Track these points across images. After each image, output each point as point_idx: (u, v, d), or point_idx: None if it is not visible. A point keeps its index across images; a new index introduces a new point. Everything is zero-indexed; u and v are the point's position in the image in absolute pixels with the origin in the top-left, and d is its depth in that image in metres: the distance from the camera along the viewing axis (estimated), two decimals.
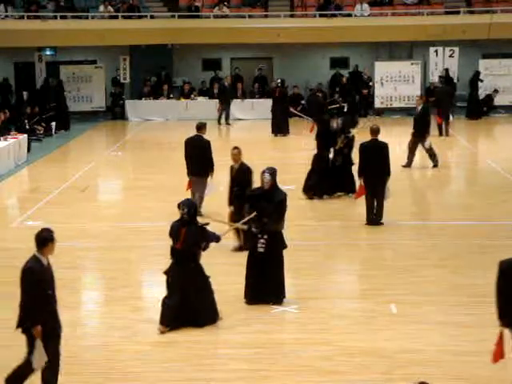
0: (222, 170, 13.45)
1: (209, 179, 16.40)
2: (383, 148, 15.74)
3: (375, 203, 15.67)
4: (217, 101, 31.84)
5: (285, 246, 11.65)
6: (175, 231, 10.71)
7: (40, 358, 8.46)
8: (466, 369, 9.43)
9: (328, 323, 10.91)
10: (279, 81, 29.78)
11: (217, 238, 10.95)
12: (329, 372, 9.36)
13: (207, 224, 10.93)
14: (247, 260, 11.62)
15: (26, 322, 8.56)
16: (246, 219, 11.59)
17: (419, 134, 21.53)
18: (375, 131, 16.01)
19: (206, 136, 16.94)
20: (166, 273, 10.87)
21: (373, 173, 15.53)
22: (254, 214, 11.40)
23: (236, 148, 14.20)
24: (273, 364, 9.65)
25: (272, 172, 11.60)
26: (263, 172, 11.62)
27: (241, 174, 13.98)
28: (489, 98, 32.51)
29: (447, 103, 27.60)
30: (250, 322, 10.94)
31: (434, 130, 24.81)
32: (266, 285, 11.45)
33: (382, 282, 12.56)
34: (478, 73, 32.10)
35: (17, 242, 14.94)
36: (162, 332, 10.60)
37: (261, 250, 11.31)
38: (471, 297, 11.81)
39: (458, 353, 9.86)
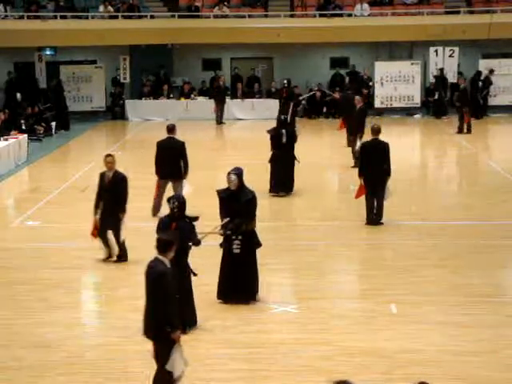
0: (223, 170, 13.45)
1: (184, 180, 16.63)
2: (384, 148, 15.73)
3: (375, 203, 15.68)
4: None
5: (259, 245, 11.63)
6: (165, 226, 10.60)
7: (180, 364, 8.21)
8: (466, 369, 9.43)
9: (328, 323, 10.91)
10: (285, 81, 29.98)
11: (197, 242, 10.88)
12: (329, 372, 9.35)
13: (197, 219, 10.86)
14: (221, 260, 11.58)
15: (164, 328, 8.15)
16: (222, 223, 11.52)
17: (351, 132, 21.63)
18: (376, 131, 16.01)
19: (179, 137, 17.22)
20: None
21: (373, 172, 15.52)
22: (227, 219, 11.37)
23: (110, 155, 13.88)
24: (273, 364, 9.65)
25: (238, 172, 11.61)
26: (229, 173, 11.64)
27: (116, 182, 13.59)
28: (486, 80, 32.46)
29: (469, 102, 28.41)
30: (250, 322, 10.94)
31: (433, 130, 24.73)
32: (241, 283, 11.43)
33: (381, 281, 12.56)
34: (479, 72, 32.14)
35: (17, 241, 14.95)
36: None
37: (236, 250, 11.35)
38: (471, 297, 11.81)
39: (457, 353, 9.86)
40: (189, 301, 10.62)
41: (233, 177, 11.55)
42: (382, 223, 15.68)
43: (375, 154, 15.62)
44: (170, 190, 16.15)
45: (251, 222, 11.46)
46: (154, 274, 8.24)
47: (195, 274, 10.77)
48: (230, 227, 11.30)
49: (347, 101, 25.17)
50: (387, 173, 15.59)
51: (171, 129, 17.12)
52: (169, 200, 10.83)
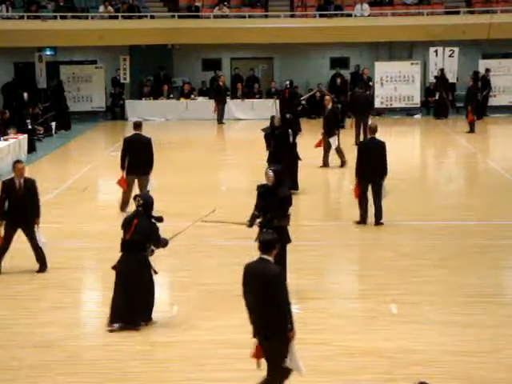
0: (223, 170, 13.43)
1: (151, 176, 16.82)
2: (381, 147, 15.74)
3: (373, 203, 15.66)
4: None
5: (289, 241, 11.84)
6: (127, 222, 10.72)
7: (298, 362, 8.19)
8: (466, 369, 9.42)
9: (328, 323, 10.91)
10: (287, 82, 30.11)
11: (164, 244, 10.96)
12: (329, 372, 9.35)
13: (161, 220, 10.94)
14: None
15: (284, 328, 8.09)
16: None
17: (329, 134, 21.62)
18: (373, 130, 16.01)
19: (146, 134, 17.35)
20: (114, 267, 10.83)
21: (370, 171, 15.50)
22: (256, 213, 11.74)
23: (20, 162, 13.70)
24: None
25: (276, 169, 11.91)
26: (268, 169, 11.99)
27: (29, 188, 13.35)
28: (483, 79, 32.47)
29: (477, 101, 28.74)
30: None
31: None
32: None
33: (381, 282, 12.56)
34: (476, 73, 32.14)
35: (16, 241, 14.93)
36: (112, 331, 10.61)
37: None
38: (471, 297, 11.81)
39: (457, 353, 9.86)
40: (143, 298, 10.73)
41: (270, 173, 11.87)
42: (382, 223, 15.66)
43: (372, 153, 15.60)
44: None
45: (284, 218, 11.71)
46: (269, 275, 8.13)
47: (156, 272, 10.92)
48: (260, 221, 11.64)
49: (358, 100, 25.38)
50: (384, 172, 15.59)
51: (138, 125, 17.43)
52: (135, 198, 11.03)
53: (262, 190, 12.01)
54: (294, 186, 18.55)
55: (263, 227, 11.52)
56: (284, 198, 11.80)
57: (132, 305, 10.66)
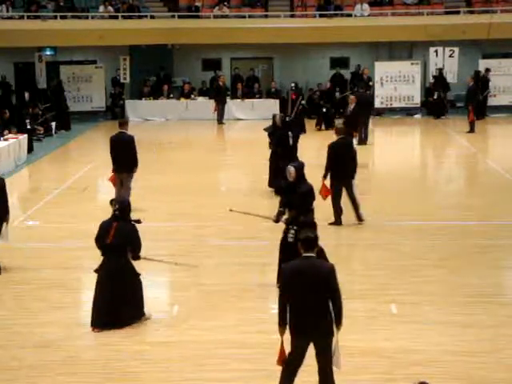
0: (223, 170, 13.43)
1: (134, 174, 17.04)
2: (351, 147, 15.83)
3: (341, 203, 15.75)
4: None
5: None
6: (105, 228, 10.75)
7: (340, 357, 8.26)
8: (466, 369, 9.42)
9: None
10: (293, 84, 30.38)
11: (139, 247, 10.89)
12: None
13: (139, 222, 11.05)
14: (279, 249, 11.91)
15: (340, 322, 8.28)
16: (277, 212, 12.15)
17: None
18: (341, 130, 16.08)
19: (129, 133, 17.47)
20: (96, 271, 10.87)
21: (341, 172, 15.58)
22: (281, 209, 12.07)
23: None
24: (273, 364, 9.63)
25: (296, 165, 12.33)
26: (289, 165, 12.35)
27: None
28: (484, 79, 32.50)
29: (478, 101, 28.89)
30: (250, 322, 10.94)
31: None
32: None
33: (381, 282, 12.55)
34: (476, 72, 32.16)
35: (17, 241, 14.93)
36: (97, 332, 10.62)
37: (291, 239, 11.62)
38: (471, 297, 11.81)
39: (457, 353, 9.86)
40: (131, 298, 10.84)
41: (291, 169, 12.20)
42: (364, 220, 15.78)
43: (343, 154, 15.65)
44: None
45: (308, 213, 11.91)
46: (326, 269, 8.22)
47: (138, 274, 11.00)
48: (286, 218, 11.95)
49: (359, 100, 25.46)
50: (354, 171, 15.72)
51: (122, 123, 17.57)
52: (111, 202, 11.14)
53: (285, 186, 12.33)
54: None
55: (289, 224, 11.79)
56: (306, 193, 12.05)
57: (117, 307, 10.66)
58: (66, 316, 11.25)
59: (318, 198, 13.58)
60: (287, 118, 19.31)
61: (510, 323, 10.81)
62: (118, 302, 10.66)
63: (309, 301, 8.12)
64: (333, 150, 15.82)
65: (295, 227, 11.57)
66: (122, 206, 10.87)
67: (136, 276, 10.88)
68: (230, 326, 10.75)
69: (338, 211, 15.72)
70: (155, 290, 12.31)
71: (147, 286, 12.90)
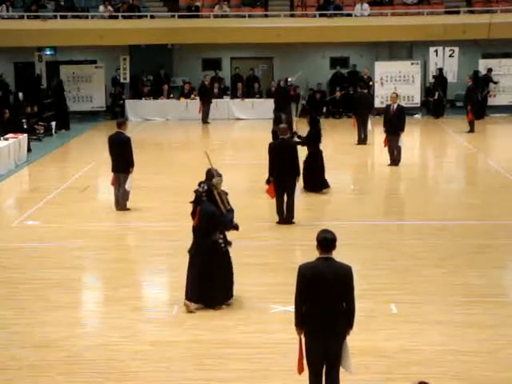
0: (223, 170, 13.38)
1: (130, 175, 17.10)
2: (291, 147, 15.84)
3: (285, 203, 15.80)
4: (217, 100, 32.37)
5: None
6: (193, 210, 11.43)
7: (350, 360, 8.17)
8: (466, 369, 9.42)
9: None
10: (290, 79, 30.28)
11: (235, 227, 11.53)
12: None
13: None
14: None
15: (352, 323, 8.17)
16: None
17: (393, 132, 22.40)
18: (283, 131, 16.10)
19: (126, 133, 17.53)
20: (189, 251, 11.45)
21: (283, 172, 15.60)
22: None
23: None
24: (273, 364, 9.65)
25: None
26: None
27: None
28: (485, 79, 32.54)
29: (476, 101, 28.89)
30: (250, 322, 10.94)
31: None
32: None
33: (381, 282, 12.56)
34: (476, 72, 32.16)
35: (17, 241, 14.95)
36: (188, 307, 11.13)
37: None
38: (471, 296, 11.81)
39: (457, 353, 9.86)
40: (220, 279, 11.36)
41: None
42: (294, 222, 15.76)
43: (283, 154, 15.66)
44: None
45: None
46: (347, 270, 8.32)
47: (230, 243, 11.47)
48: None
49: (359, 100, 25.52)
50: (296, 172, 15.72)
51: (120, 123, 17.69)
52: (199, 184, 11.81)
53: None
54: (324, 183, 18.65)
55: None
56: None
57: (205, 286, 11.20)
58: (66, 316, 11.26)
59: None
60: (295, 133, 19.08)
61: (509, 323, 10.81)
62: (206, 280, 11.16)
63: (326, 302, 8.09)
64: (271, 149, 15.85)
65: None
66: (208, 187, 11.62)
67: (224, 255, 11.33)
68: (230, 326, 10.76)
69: (280, 210, 15.79)
70: (155, 290, 12.32)
71: (147, 285, 12.95)
